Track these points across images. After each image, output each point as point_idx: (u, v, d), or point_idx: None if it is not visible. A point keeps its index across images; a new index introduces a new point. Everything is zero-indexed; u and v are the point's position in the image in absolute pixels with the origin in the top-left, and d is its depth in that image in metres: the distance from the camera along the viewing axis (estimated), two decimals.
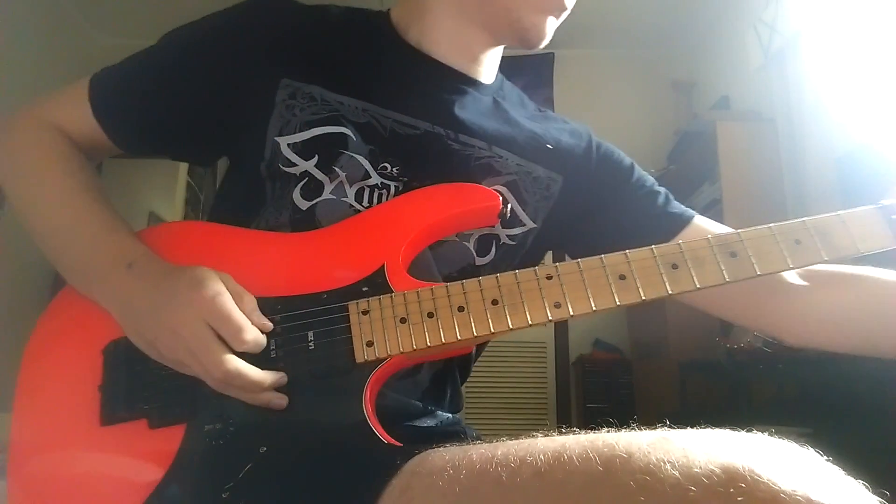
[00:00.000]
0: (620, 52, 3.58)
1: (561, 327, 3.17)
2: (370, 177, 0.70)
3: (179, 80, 0.72)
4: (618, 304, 0.58)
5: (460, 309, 0.59)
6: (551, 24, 0.74)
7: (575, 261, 0.60)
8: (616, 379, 3.01)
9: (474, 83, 0.78)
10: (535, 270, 0.60)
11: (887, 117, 2.02)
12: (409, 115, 0.72)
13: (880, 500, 0.37)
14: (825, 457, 0.38)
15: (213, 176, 3.79)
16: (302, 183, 0.69)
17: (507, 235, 0.75)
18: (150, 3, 3.23)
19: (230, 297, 0.57)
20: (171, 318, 0.56)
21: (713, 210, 2.69)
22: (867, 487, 0.37)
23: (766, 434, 0.40)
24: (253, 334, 0.56)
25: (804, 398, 2.10)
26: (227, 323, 0.55)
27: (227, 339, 0.55)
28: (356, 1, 0.90)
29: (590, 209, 0.80)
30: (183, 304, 0.56)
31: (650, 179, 0.82)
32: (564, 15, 0.74)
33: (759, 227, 0.61)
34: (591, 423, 0.46)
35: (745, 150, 2.60)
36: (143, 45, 0.75)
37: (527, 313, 0.59)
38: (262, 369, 0.56)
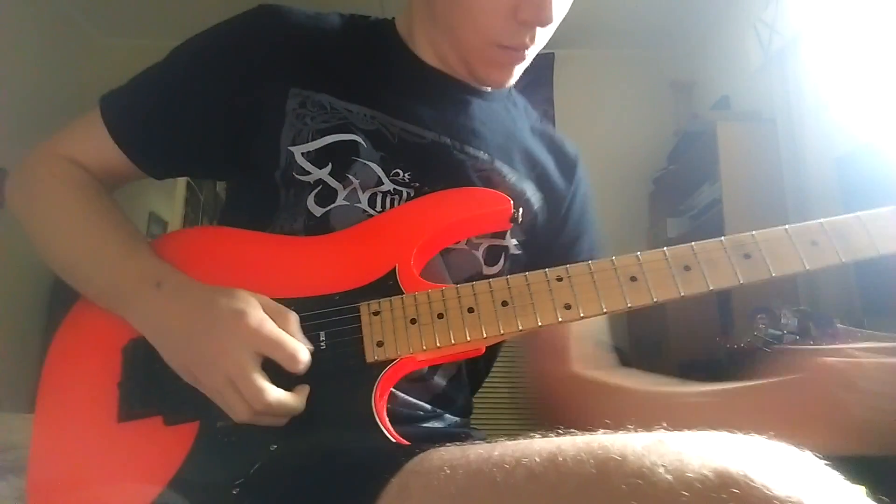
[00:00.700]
0: (620, 52, 3.57)
1: None
2: (383, 183, 0.70)
3: (191, 96, 0.72)
4: (629, 306, 0.58)
5: (470, 310, 0.60)
6: (513, 71, 0.73)
7: (586, 262, 0.61)
8: None
9: (479, 92, 0.78)
10: (545, 272, 0.61)
11: (887, 117, 2.02)
12: (417, 125, 0.73)
13: None
14: (824, 460, 0.38)
15: None
16: (316, 190, 0.69)
17: (515, 245, 0.76)
18: (151, 4, 3.23)
19: (273, 322, 0.57)
20: (212, 347, 0.55)
21: (713, 210, 2.69)
22: (868, 493, 0.37)
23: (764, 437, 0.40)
24: (306, 355, 0.57)
25: None
26: (281, 348, 0.55)
27: (283, 364, 0.56)
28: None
29: (553, 241, 0.82)
30: (225, 332, 0.55)
31: (593, 230, 0.85)
32: (529, 58, 0.73)
33: (773, 229, 0.60)
34: None
35: (745, 150, 2.60)
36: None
37: (536, 315, 0.59)
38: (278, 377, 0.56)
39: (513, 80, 0.75)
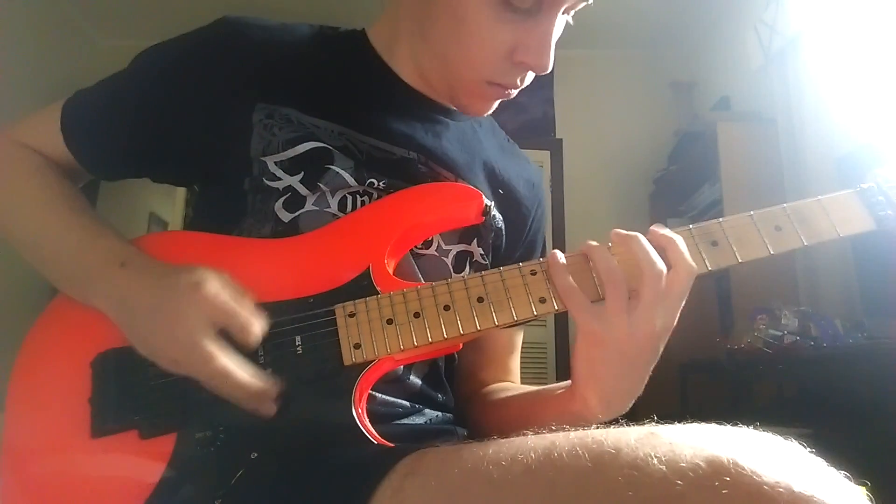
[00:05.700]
0: (620, 52, 3.58)
1: (561, 328, 3.17)
2: (355, 187, 0.70)
3: (154, 106, 0.71)
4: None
5: (446, 308, 0.59)
6: (494, 104, 0.74)
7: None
8: None
9: (449, 112, 0.78)
10: (519, 267, 0.60)
11: (888, 117, 2.02)
12: (386, 142, 0.72)
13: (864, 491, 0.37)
14: (825, 457, 0.39)
15: None
16: (285, 197, 0.68)
17: (481, 255, 0.76)
18: (151, 5, 3.24)
19: (228, 294, 0.57)
20: (169, 316, 0.55)
21: (714, 211, 2.69)
22: (868, 493, 0.37)
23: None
24: (260, 329, 0.57)
25: (804, 398, 2.10)
26: (235, 317, 0.55)
27: (235, 333, 0.55)
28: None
29: (511, 256, 0.82)
30: (183, 302, 0.55)
31: (543, 247, 0.88)
32: (513, 94, 0.73)
33: (739, 215, 0.61)
34: None
35: (746, 150, 2.60)
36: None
37: (512, 309, 0.59)
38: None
39: (491, 111, 0.75)
